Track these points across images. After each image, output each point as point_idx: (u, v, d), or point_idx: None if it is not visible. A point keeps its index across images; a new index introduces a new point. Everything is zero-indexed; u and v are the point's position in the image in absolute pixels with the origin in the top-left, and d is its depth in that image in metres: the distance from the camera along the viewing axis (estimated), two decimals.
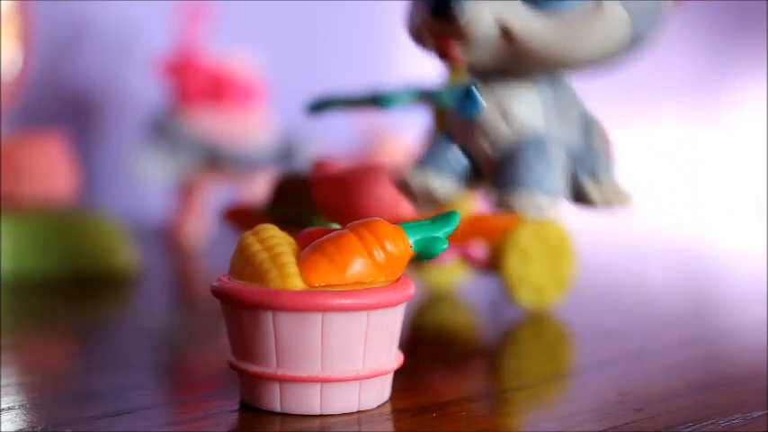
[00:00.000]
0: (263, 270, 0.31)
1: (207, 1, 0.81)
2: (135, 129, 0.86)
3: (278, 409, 0.32)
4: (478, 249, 0.51)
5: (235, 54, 0.82)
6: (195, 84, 0.79)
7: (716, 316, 0.58)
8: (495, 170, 0.37)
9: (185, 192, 0.81)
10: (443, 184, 0.38)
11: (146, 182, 0.81)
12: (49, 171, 0.66)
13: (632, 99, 1.32)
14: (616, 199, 0.38)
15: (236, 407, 0.33)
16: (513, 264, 0.50)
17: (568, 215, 0.54)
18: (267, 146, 0.81)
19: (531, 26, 0.33)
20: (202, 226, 0.82)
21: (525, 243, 0.51)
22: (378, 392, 0.33)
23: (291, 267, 0.31)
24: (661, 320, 0.53)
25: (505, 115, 0.36)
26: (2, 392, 0.34)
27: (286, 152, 0.81)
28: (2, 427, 0.30)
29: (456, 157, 0.38)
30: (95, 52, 0.92)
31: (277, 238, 0.32)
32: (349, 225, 0.33)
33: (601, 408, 0.35)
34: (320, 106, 0.47)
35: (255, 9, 0.93)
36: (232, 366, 0.33)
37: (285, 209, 0.50)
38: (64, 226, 0.61)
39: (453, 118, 0.38)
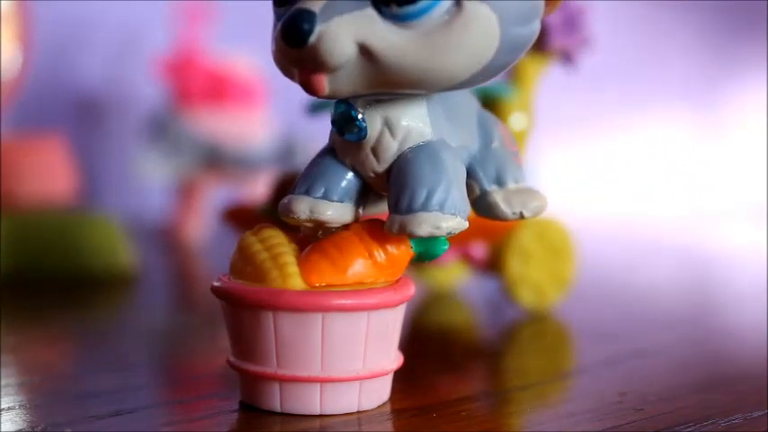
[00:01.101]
0: (264, 270, 0.31)
1: (207, 1, 0.81)
2: (135, 129, 0.86)
3: (278, 409, 0.32)
4: (478, 249, 0.51)
5: (235, 54, 0.82)
6: (196, 84, 0.79)
7: (716, 316, 0.58)
8: (386, 188, 0.33)
9: (185, 192, 0.81)
10: (335, 211, 0.32)
11: (146, 181, 0.81)
12: (49, 171, 0.66)
13: (633, 101, 1.32)
14: (526, 208, 0.33)
15: (236, 407, 0.33)
16: (513, 264, 0.50)
17: (568, 214, 0.54)
18: (267, 146, 0.81)
19: (391, 42, 0.30)
20: (202, 226, 0.82)
21: (525, 243, 0.51)
22: (378, 392, 0.33)
23: (292, 267, 0.31)
24: (661, 320, 0.53)
25: (391, 127, 0.32)
26: (2, 392, 0.34)
27: (286, 152, 0.81)
28: (2, 427, 0.30)
29: (344, 177, 0.33)
30: (96, 52, 0.92)
31: (277, 238, 0.32)
32: (349, 225, 0.33)
33: (601, 408, 0.35)
34: (320, 107, 0.47)
35: (255, 9, 0.93)
36: (232, 366, 0.33)
37: None
38: (64, 226, 0.61)
39: (334, 134, 0.33)
